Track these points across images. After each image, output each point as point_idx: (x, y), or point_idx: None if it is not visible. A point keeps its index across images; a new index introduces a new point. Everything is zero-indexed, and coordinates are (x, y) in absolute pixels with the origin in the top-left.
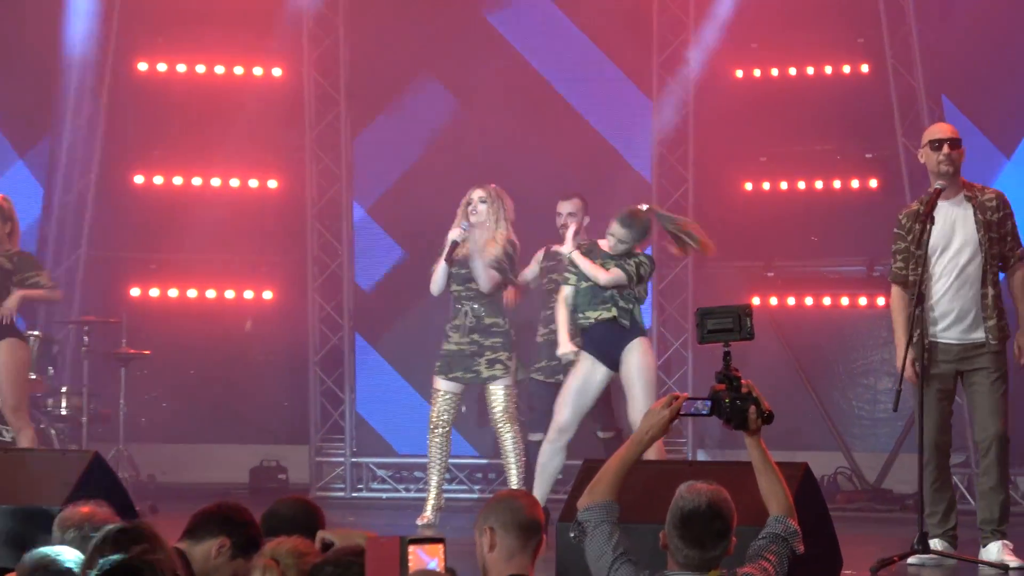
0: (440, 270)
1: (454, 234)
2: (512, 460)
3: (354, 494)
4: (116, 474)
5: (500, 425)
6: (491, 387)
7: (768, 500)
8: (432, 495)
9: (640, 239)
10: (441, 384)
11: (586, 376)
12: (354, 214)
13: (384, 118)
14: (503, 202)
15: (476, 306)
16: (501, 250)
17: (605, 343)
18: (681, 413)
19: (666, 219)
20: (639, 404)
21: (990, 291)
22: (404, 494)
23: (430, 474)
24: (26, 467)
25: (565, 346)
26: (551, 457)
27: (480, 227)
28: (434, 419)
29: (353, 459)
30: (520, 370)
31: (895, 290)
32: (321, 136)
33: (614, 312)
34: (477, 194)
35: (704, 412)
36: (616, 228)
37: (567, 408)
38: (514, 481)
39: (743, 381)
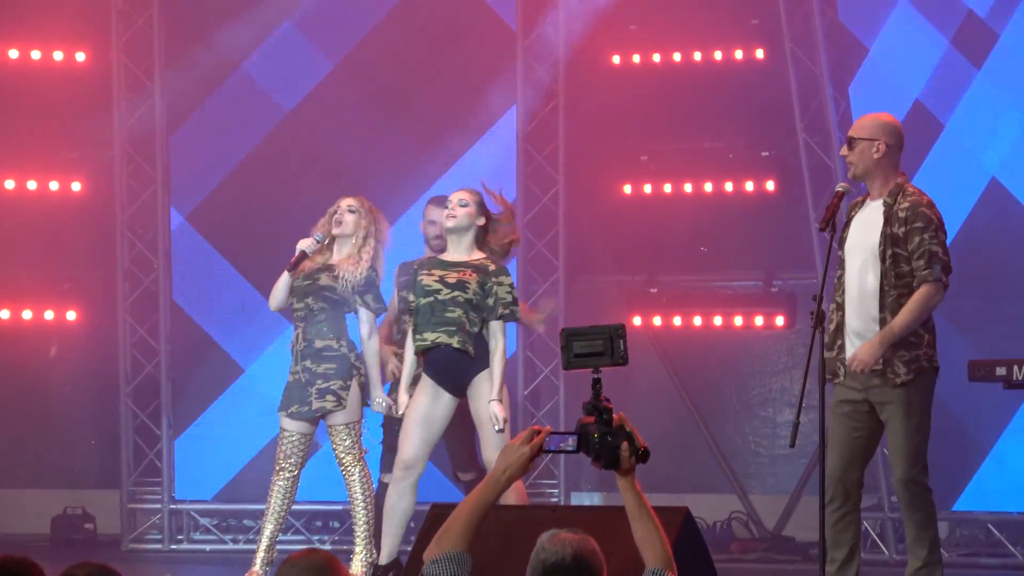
0: (282, 281)
1: (305, 243)
2: (359, 507)
3: (173, 546)
4: None
5: (343, 467)
6: (327, 423)
7: (643, 550)
8: (263, 547)
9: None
10: (284, 422)
11: (429, 404)
12: (172, 221)
13: (205, 111)
14: (376, 220)
15: (306, 327)
16: (362, 275)
17: (448, 368)
18: (544, 449)
19: None
20: (493, 440)
21: (887, 316)
22: (232, 546)
23: (265, 522)
24: None
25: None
26: (399, 498)
27: (342, 241)
28: (279, 461)
29: (172, 505)
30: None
31: None
32: (133, 131)
33: (457, 339)
34: (346, 202)
35: (570, 448)
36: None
37: (411, 440)
38: (360, 531)
39: (615, 414)
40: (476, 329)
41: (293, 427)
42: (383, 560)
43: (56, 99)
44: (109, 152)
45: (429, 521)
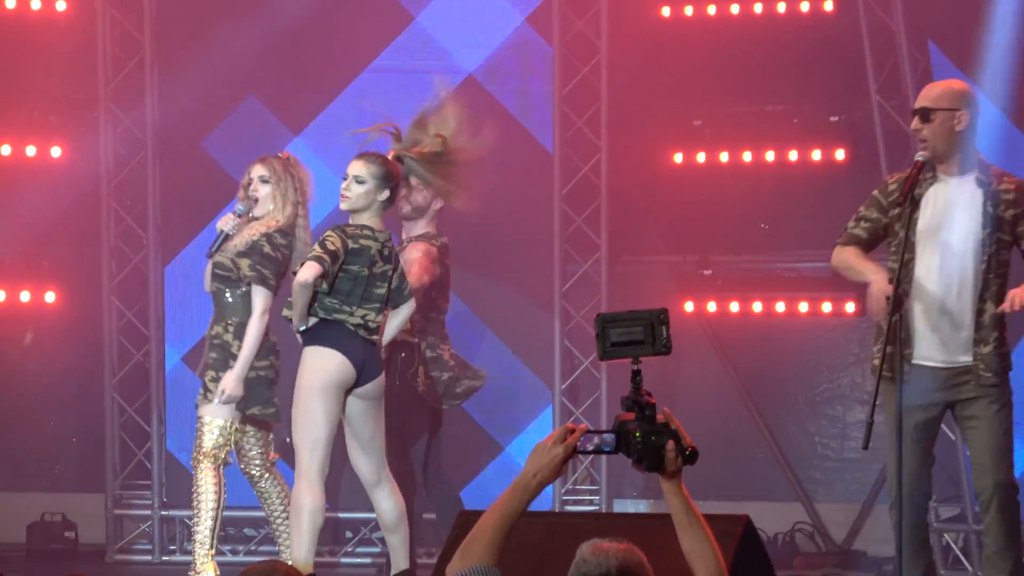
0: (207, 268)
1: (226, 223)
2: (202, 506)
3: (165, 557)
4: None
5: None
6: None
7: (693, 563)
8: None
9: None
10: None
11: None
12: (163, 192)
13: (200, 66)
14: (295, 182)
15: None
16: (255, 239)
17: None
18: (579, 450)
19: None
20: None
21: (989, 306)
22: (230, 557)
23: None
24: None
25: None
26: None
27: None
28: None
29: (163, 512)
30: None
31: (839, 248)
32: (119, 90)
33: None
34: (256, 171)
35: (608, 449)
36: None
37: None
38: (205, 531)
39: (663, 410)
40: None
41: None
42: None
43: (33, 53)
44: (93, 114)
45: (456, 530)
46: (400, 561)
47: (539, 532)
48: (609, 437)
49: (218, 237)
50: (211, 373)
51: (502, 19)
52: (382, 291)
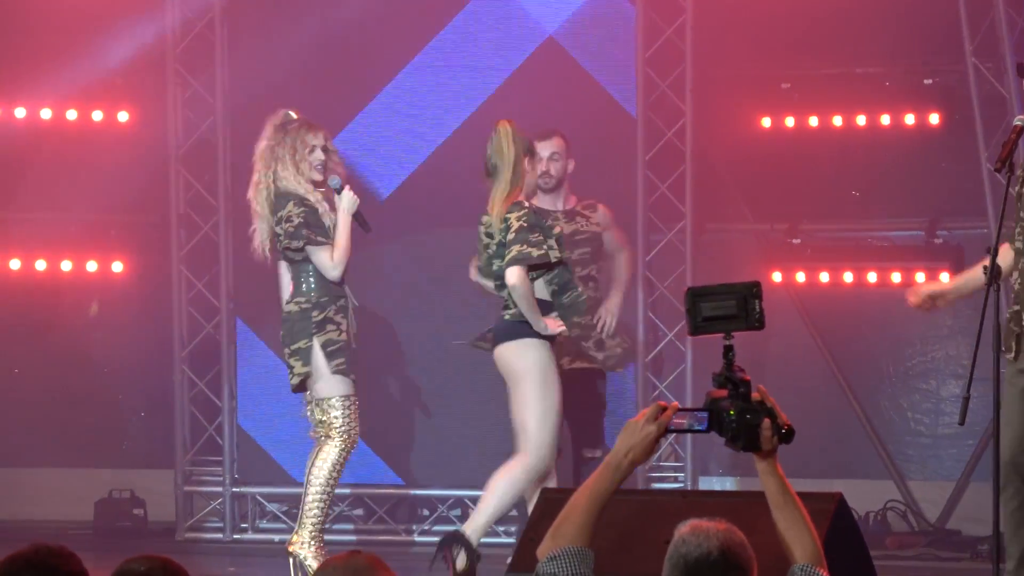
0: (348, 243)
1: (350, 195)
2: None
3: (236, 536)
4: None
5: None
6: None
7: (789, 543)
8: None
9: None
10: (350, 387)
11: None
12: (234, 158)
13: (273, 27)
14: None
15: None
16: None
17: None
18: (670, 429)
19: None
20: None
21: None
22: (404, 537)
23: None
24: None
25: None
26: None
27: None
28: (353, 432)
29: (235, 488)
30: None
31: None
32: (188, 53)
33: None
34: (320, 139)
35: (700, 428)
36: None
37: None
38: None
39: (758, 387)
40: None
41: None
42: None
43: (99, 13)
44: (161, 77)
45: (539, 508)
46: None
47: (626, 510)
48: (702, 415)
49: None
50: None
51: None
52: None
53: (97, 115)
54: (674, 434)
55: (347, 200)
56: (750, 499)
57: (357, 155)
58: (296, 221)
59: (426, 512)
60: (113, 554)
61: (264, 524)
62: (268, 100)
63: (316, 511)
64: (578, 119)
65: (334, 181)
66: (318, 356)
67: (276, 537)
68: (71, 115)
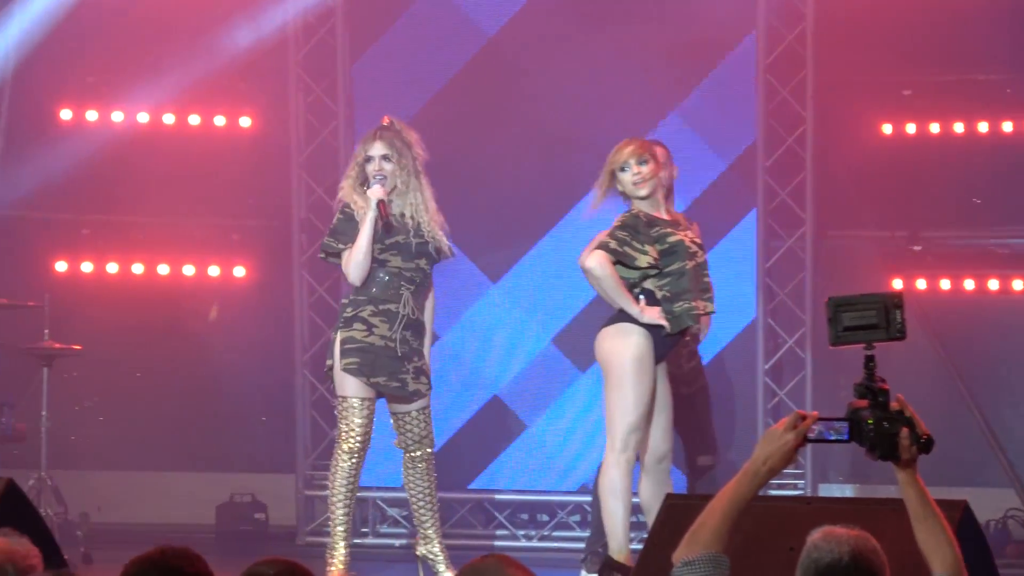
0: (366, 245)
1: (379, 192)
2: (424, 497)
3: (357, 540)
4: (37, 510)
5: (410, 454)
6: (411, 406)
7: (929, 554)
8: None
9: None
10: (359, 389)
11: (664, 386)
12: None
13: (394, 34)
14: (412, 152)
15: (416, 290)
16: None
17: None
18: (809, 438)
19: None
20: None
21: None
22: (524, 543)
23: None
24: None
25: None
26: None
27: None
28: (352, 436)
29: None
30: None
31: None
32: (311, 58)
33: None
34: (378, 151)
35: (842, 437)
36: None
37: (658, 429)
38: (428, 529)
39: (897, 396)
40: None
41: (369, 396)
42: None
43: (222, 21)
44: (283, 82)
45: (664, 513)
46: None
47: (749, 516)
48: (841, 425)
49: (387, 208)
50: (425, 363)
51: None
52: None
53: (220, 120)
54: (813, 443)
55: (370, 198)
56: (873, 505)
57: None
58: (331, 228)
59: (545, 517)
60: (235, 558)
61: (384, 529)
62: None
63: (333, 519)
64: (698, 126)
65: (371, 189)
66: (336, 351)
67: (396, 542)
68: (194, 120)
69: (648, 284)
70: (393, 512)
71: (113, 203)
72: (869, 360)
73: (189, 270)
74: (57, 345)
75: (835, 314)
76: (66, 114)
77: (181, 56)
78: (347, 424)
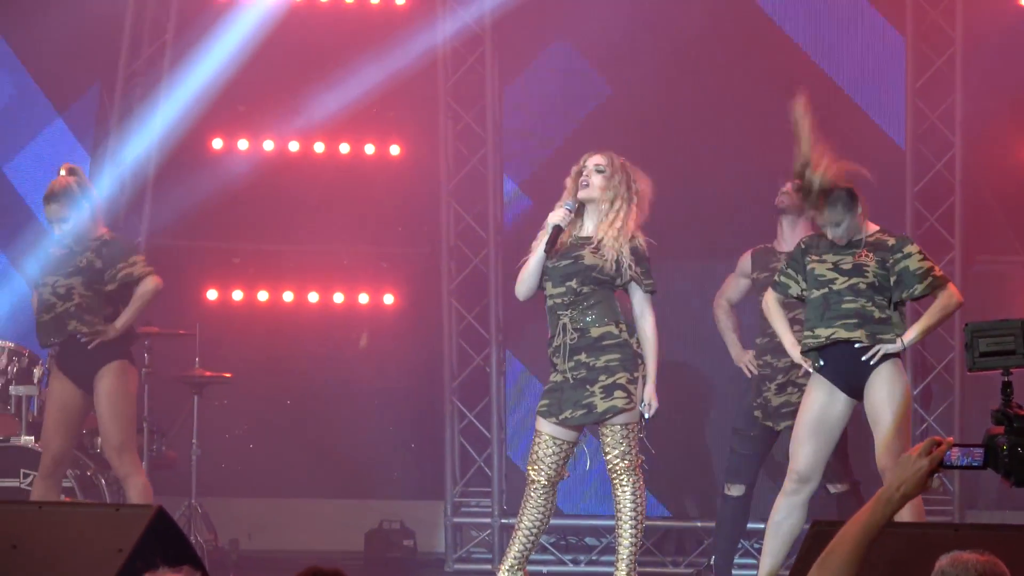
0: (534, 264)
1: (557, 216)
2: (627, 521)
3: None
4: (187, 537)
5: (615, 475)
6: (607, 425)
7: None
8: (505, 567)
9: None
10: (546, 427)
11: (824, 406)
12: (505, 189)
13: (544, 58)
14: (631, 179)
15: (575, 314)
16: (626, 245)
17: (845, 365)
18: (945, 464)
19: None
20: (894, 445)
21: None
22: (571, 568)
23: (512, 541)
24: (68, 528)
25: (795, 349)
26: (787, 514)
27: (592, 208)
28: (534, 470)
29: (503, 520)
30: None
31: None
32: (460, 86)
33: (861, 331)
34: (593, 161)
35: (976, 463)
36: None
37: (804, 448)
38: (624, 553)
39: None
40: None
41: (559, 434)
42: None
43: (371, 47)
44: (433, 110)
45: (810, 540)
46: None
47: (896, 544)
48: (977, 451)
49: (552, 231)
50: (625, 375)
51: (853, 8)
52: None
53: (369, 148)
54: (948, 469)
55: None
56: (1020, 533)
57: None
58: None
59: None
60: None
61: (534, 556)
62: (545, 136)
63: None
64: (846, 149)
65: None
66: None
67: (544, 568)
68: (344, 149)
69: None
70: (542, 539)
71: (263, 231)
72: (1006, 386)
73: (339, 298)
74: (208, 373)
75: (972, 340)
76: (217, 143)
77: (331, 84)
78: (531, 455)
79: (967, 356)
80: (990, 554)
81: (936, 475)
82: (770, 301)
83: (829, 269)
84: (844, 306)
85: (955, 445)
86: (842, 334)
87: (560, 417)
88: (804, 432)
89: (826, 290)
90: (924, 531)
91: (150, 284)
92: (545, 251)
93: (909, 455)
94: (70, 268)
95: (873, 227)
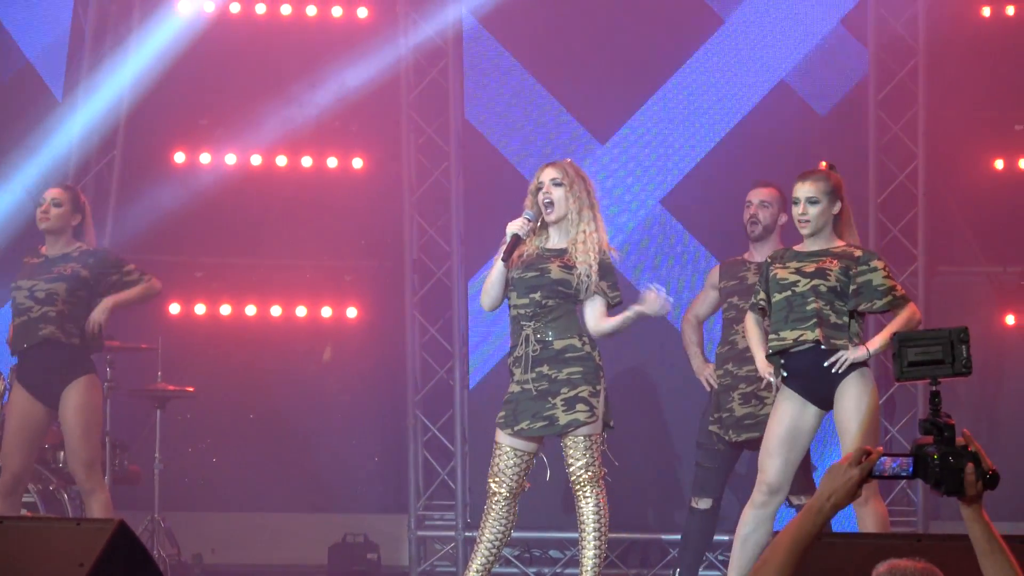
0: (497, 274)
1: (516, 225)
2: (590, 534)
3: None
4: (149, 552)
5: (578, 487)
6: (569, 437)
7: None
8: None
9: None
10: (503, 438)
11: (794, 419)
12: (466, 202)
13: (507, 67)
14: (587, 182)
15: (539, 325)
16: (597, 259)
17: (812, 374)
18: (874, 474)
19: None
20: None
21: None
22: None
23: (474, 555)
24: (28, 543)
25: (763, 364)
26: (755, 527)
27: (558, 223)
28: (494, 483)
29: (467, 533)
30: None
31: None
32: (422, 99)
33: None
34: (549, 175)
35: (906, 473)
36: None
37: (774, 460)
38: (588, 565)
39: (963, 431)
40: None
41: (519, 445)
42: None
43: (334, 62)
44: (395, 123)
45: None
46: None
47: (861, 553)
48: (906, 460)
49: (510, 241)
50: (587, 388)
51: (815, 21)
52: None
53: (332, 162)
54: (877, 479)
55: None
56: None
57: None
58: None
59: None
60: None
61: (497, 569)
62: (499, 147)
63: None
64: (809, 161)
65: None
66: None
67: None
68: (306, 162)
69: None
70: (505, 552)
71: (226, 245)
72: (934, 396)
73: (302, 311)
74: (170, 387)
75: (900, 349)
76: (179, 157)
77: (293, 98)
78: (491, 468)
79: (895, 365)
80: (926, 562)
81: None
82: (748, 322)
83: (792, 273)
84: (807, 307)
85: (885, 454)
86: (808, 336)
87: (516, 428)
88: (774, 444)
89: (789, 292)
90: (889, 541)
91: (156, 284)
92: (503, 260)
93: (839, 464)
94: (52, 275)
95: (841, 242)
